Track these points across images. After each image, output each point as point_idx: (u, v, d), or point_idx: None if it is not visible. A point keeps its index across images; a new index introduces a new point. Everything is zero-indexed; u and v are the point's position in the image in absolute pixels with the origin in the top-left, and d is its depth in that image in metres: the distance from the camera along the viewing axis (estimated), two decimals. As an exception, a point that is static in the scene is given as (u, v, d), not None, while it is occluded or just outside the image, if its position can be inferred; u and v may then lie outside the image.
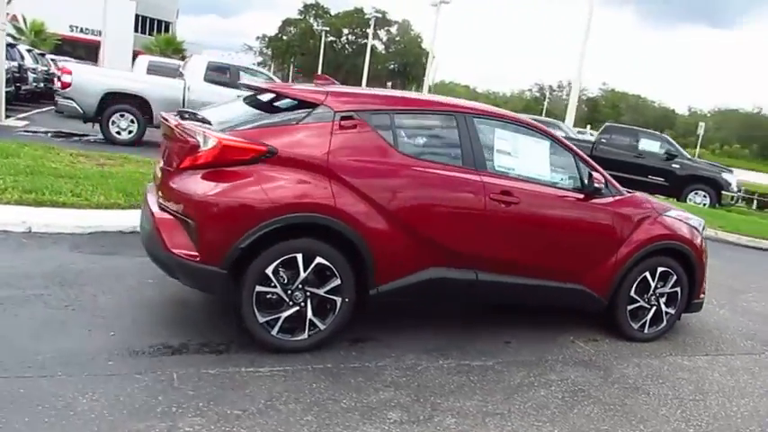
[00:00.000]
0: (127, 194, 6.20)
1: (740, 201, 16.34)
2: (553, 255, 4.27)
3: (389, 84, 51.18)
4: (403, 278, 3.81)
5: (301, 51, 54.54)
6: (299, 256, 3.52)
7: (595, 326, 4.75)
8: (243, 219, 3.42)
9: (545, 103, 76.73)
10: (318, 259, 3.56)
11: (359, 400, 3.24)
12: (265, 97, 4.17)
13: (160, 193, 3.74)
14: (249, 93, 4.43)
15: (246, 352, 3.57)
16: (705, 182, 15.37)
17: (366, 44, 56.23)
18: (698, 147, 43.33)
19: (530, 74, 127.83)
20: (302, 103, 3.74)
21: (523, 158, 4.25)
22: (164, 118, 4.05)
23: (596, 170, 4.40)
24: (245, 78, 12.50)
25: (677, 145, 16.82)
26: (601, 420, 3.39)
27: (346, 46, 56.91)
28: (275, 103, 3.97)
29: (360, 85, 45.75)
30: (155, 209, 3.66)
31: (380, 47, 52.61)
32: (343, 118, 3.69)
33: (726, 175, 15.56)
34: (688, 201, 15.18)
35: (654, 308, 4.68)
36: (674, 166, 15.54)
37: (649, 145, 16.13)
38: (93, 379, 3.08)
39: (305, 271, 3.55)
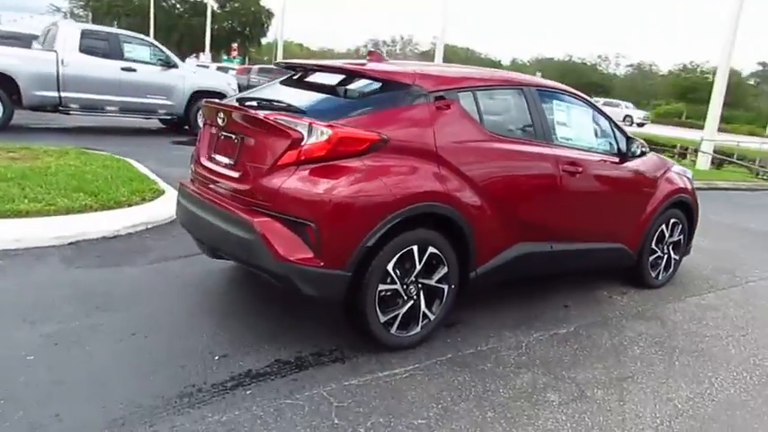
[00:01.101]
0: (92, 194, 5.37)
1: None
2: (605, 218, 4.49)
3: (235, 45, 48.64)
4: (496, 258, 3.79)
5: (126, 12, 49.58)
6: (415, 248, 3.35)
7: (613, 279, 5.08)
8: (368, 215, 3.17)
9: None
10: (431, 249, 3.42)
11: (510, 386, 3.22)
12: (327, 78, 3.82)
13: (242, 195, 3.30)
14: (285, 72, 4.04)
15: (363, 354, 3.37)
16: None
17: (197, 3, 52.73)
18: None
19: (364, 29, 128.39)
20: (390, 85, 3.48)
21: (576, 128, 4.37)
22: (221, 106, 3.56)
23: (625, 134, 4.67)
24: (129, 48, 11.26)
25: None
26: (705, 366, 3.70)
27: (177, 6, 52.85)
28: (351, 86, 3.64)
29: (202, 48, 42.95)
30: (246, 215, 3.23)
31: (215, 5, 49.53)
32: (436, 99, 3.51)
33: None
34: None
35: (665, 256, 5.13)
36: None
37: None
38: (251, 415, 2.72)
39: (420, 263, 3.39)
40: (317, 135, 3.10)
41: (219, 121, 3.50)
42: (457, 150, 3.51)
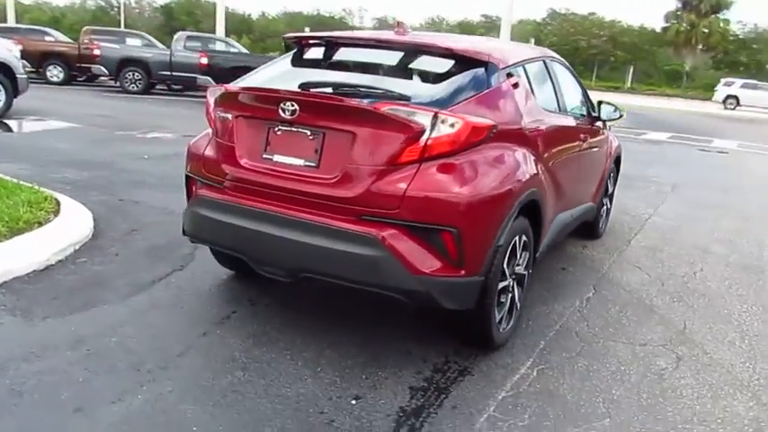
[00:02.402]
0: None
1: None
2: (591, 181, 4.73)
3: None
4: (547, 235, 3.76)
5: None
6: (517, 239, 3.16)
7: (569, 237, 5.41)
8: (502, 211, 2.89)
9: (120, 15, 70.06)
10: (524, 237, 3.26)
11: (649, 373, 3.17)
12: (377, 56, 3.31)
13: (344, 203, 2.73)
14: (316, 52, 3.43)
15: (478, 359, 3.13)
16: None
17: None
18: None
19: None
20: (470, 63, 3.14)
21: (572, 95, 4.45)
22: (284, 94, 2.87)
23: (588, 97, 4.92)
24: None
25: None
26: (726, 302, 4.17)
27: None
28: (425, 66, 3.20)
29: None
30: (366, 228, 2.69)
31: None
32: (508, 76, 3.28)
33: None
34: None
35: (605, 207, 5.62)
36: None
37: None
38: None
39: (519, 253, 3.22)
40: (444, 126, 2.68)
41: (283, 113, 2.81)
42: (533, 130, 3.35)
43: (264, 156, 2.95)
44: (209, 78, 14.69)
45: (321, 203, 2.78)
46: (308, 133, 2.83)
